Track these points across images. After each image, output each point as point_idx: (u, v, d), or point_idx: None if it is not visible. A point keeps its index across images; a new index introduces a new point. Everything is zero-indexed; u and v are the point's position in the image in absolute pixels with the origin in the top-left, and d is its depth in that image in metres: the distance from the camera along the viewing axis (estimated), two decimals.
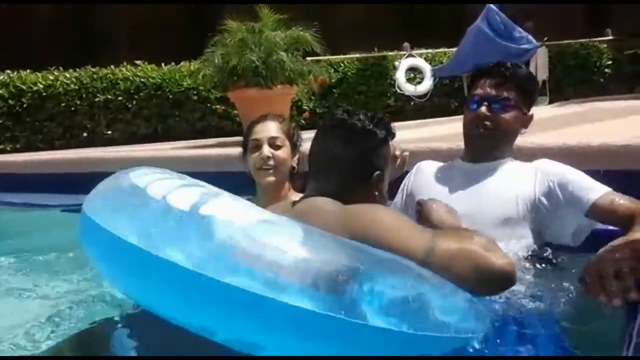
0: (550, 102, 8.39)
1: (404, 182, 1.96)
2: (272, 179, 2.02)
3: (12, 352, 1.40)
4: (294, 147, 2.13)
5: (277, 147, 2.05)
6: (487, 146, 1.81)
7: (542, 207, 1.72)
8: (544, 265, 1.64)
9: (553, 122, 4.45)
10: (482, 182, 1.79)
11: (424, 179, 1.91)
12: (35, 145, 7.83)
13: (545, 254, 1.69)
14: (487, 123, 1.77)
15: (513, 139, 1.86)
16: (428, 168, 1.96)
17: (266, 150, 2.02)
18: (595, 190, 1.66)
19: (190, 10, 12.10)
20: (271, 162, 2.01)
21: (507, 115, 1.77)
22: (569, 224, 1.71)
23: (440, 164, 1.97)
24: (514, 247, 1.64)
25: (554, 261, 1.68)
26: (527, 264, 1.62)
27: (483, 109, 1.77)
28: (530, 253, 1.69)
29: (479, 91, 1.80)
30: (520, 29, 7.91)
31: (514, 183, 1.76)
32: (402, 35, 9.60)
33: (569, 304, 1.42)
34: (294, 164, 2.12)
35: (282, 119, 2.18)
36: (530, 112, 1.85)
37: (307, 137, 5.92)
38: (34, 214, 3.90)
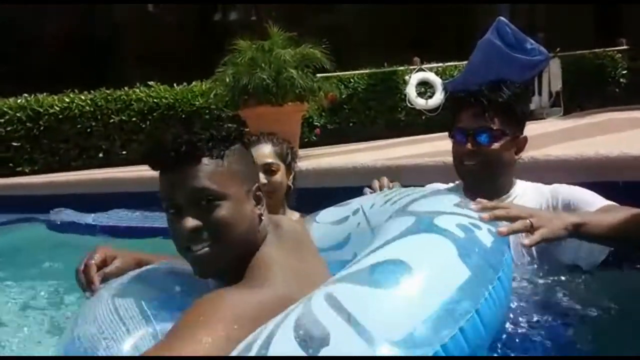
0: (565, 114, 8.32)
1: None
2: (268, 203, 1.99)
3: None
4: (289, 167, 2.10)
5: (272, 173, 2.02)
6: (481, 180, 1.69)
7: None
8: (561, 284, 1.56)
9: (568, 134, 4.41)
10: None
11: None
12: (53, 167, 7.93)
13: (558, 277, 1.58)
14: (474, 157, 1.66)
15: (509, 168, 1.73)
16: None
17: (261, 178, 1.94)
18: (594, 205, 1.56)
19: (199, 29, 12.27)
20: (266, 188, 1.95)
21: (494, 146, 1.65)
22: (578, 246, 1.58)
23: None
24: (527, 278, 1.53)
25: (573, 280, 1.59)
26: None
27: (467, 142, 1.66)
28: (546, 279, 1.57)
29: (461, 124, 1.69)
30: (531, 40, 7.88)
31: None
32: (412, 49, 9.63)
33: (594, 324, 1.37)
34: (290, 183, 2.09)
35: (275, 138, 2.11)
36: (523, 135, 1.72)
37: (319, 154, 5.91)
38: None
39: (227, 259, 1.15)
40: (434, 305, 0.93)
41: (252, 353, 0.89)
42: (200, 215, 1.11)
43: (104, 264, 1.32)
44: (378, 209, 1.36)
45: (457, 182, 1.87)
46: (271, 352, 0.87)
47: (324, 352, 0.85)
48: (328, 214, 1.51)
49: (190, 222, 1.10)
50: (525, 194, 1.72)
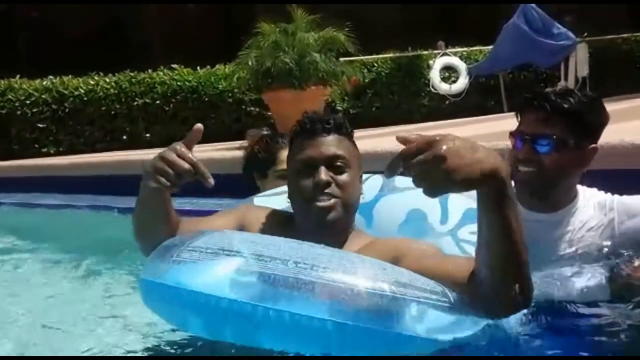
0: None
1: None
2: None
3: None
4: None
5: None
6: (535, 189, 1.57)
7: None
8: None
9: None
10: (547, 241, 1.57)
11: None
12: (78, 148, 8.07)
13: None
14: (529, 164, 1.53)
15: (568, 182, 1.58)
16: None
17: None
18: None
19: (222, 12, 12.25)
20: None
21: (552, 155, 1.51)
22: None
23: None
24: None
25: None
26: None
27: (524, 148, 1.54)
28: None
29: (521, 126, 1.57)
30: (558, 24, 7.72)
31: (585, 249, 1.55)
32: (437, 33, 9.50)
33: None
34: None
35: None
36: (592, 145, 1.56)
37: None
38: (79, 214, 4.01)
39: (343, 216, 1.35)
40: None
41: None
42: (332, 175, 1.35)
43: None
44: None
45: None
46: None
47: None
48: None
49: (325, 176, 1.33)
50: (586, 210, 1.61)
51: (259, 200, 1.65)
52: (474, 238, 1.14)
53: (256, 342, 1.10)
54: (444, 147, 0.94)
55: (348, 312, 1.04)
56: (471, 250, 1.24)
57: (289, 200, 1.42)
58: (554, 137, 1.50)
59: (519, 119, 1.59)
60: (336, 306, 1.04)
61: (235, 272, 1.10)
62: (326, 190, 1.32)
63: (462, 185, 0.95)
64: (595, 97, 1.59)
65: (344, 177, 1.35)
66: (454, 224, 1.45)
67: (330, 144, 1.37)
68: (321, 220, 1.32)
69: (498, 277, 1.05)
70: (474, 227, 1.18)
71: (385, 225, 1.50)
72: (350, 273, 1.08)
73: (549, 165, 1.52)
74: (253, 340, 1.10)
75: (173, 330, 1.32)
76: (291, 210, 1.44)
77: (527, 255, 1.06)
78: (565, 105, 1.50)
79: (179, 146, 1.21)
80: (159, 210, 1.31)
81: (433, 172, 0.94)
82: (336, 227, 1.35)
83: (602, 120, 1.58)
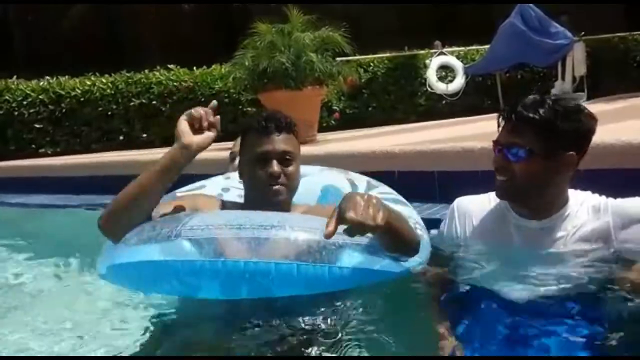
0: (589, 99, 8.17)
1: (448, 223, 1.80)
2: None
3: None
4: None
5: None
6: (513, 197, 1.62)
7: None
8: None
9: None
10: (540, 248, 1.60)
11: (475, 230, 1.74)
12: (74, 149, 8.05)
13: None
14: (503, 173, 1.58)
15: (552, 189, 1.60)
16: (472, 211, 1.76)
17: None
18: None
19: (218, 12, 12.24)
20: None
21: (521, 164, 1.54)
22: None
23: (481, 204, 1.76)
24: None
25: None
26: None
27: (497, 157, 1.59)
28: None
29: (498, 137, 1.61)
30: (555, 23, 7.72)
31: (583, 254, 1.55)
32: (433, 33, 9.50)
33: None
34: None
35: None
36: (570, 152, 1.55)
37: (339, 137, 5.89)
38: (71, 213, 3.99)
39: (288, 197, 1.73)
40: None
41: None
42: (282, 167, 1.69)
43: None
44: None
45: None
46: None
47: None
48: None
49: (277, 168, 1.67)
50: (579, 215, 1.61)
51: (181, 193, 1.94)
52: (384, 196, 1.80)
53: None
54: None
55: (298, 255, 1.39)
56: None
57: (240, 181, 1.79)
58: (522, 146, 1.54)
59: (499, 129, 1.62)
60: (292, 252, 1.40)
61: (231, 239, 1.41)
62: (278, 180, 1.67)
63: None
64: (572, 106, 1.58)
65: (291, 169, 1.71)
66: (364, 189, 1.93)
67: (282, 141, 1.70)
68: (272, 200, 1.67)
69: (395, 249, 1.52)
70: (378, 189, 1.94)
71: (305, 200, 1.87)
72: (300, 227, 1.46)
73: (520, 173, 1.56)
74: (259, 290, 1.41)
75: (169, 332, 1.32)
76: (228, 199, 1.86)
77: (408, 233, 1.54)
78: (531, 115, 1.52)
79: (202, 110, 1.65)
80: (165, 181, 1.58)
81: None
82: (282, 206, 1.70)
83: (581, 128, 1.56)
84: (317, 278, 1.39)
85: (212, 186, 2.05)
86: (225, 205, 1.77)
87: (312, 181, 1.93)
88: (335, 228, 1.31)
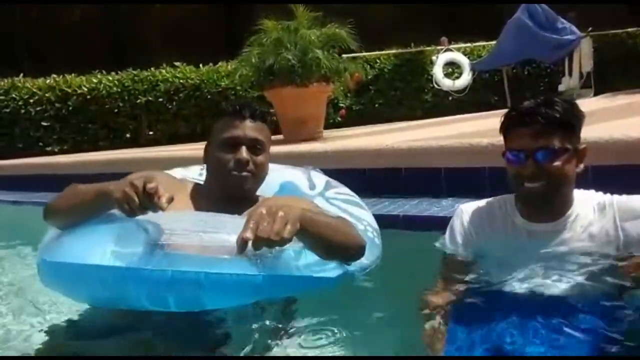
0: (595, 94, 8.12)
1: (456, 230, 1.75)
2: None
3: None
4: None
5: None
6: (546, 201, 1.58)
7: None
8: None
9: (598, 115, 4.30)
10: (549, 250, 1.58)
11: (484, 235, 1.70)
12: (81, 147, 8.09)
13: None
14: (537, 178, 1.53)
15: (570, 186, 1.60)
16: (479, 217, 1.73)
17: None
18: None
19: (224, 10, 12.23)
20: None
21: (556, 164, 1.52)
22: None
23: (488, 210, 1.73)
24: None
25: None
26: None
27: (527, 164, 1.53)
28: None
29: (515, 144, 1.56)
30: (563, 19, 7.68)
31: (591, 254, 1.54)
32: (439, 29, 9.47)
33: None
34: None
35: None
36: (582, 146, 1.58)
37: (344, 135, 5.86)
38: None
39: (254, 187, 1.68)
40: None
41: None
42: (251, 154, 1.63)
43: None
44: None
45: (504, 195, 1.75)
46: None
47: None
48: None
49: (246, 155, 1.61)
50: (586, 214, 1.60)
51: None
52: (339, 196, 1.91)
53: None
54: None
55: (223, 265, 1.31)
56: (338, 204, 1.87)
57: (202, 168, 1.72)
58: (555, 148, 1.52)
59: (509, 136, 1.58)
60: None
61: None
62: (246, 167, 1.62)
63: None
64: (571, 100, 1.62)
65: (260, 158, 1.65)
66: (321, 188, 1.97)
67: (253, 129, 1.65)
68: (237, 187, 1.62)
69: (327, 255, 1.45)
70: (335, 190, 1.99)
71: (264, 194, 1.82)
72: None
73: (557, 175, 1.53)
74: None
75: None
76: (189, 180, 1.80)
77: (343, 232, 1.49)
78: (557, 115, 1.52)
79: (152, 183, 1.34)
80: (100, 211, 1.47)
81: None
82: (247, 195, 1.66)
83: (582, 121, 1.60)
84: (249, 287, 1.32)
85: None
86: (190, 188, 1.70)
87: (272, 176, 1.89)
88: (245, 244, 1.24)
